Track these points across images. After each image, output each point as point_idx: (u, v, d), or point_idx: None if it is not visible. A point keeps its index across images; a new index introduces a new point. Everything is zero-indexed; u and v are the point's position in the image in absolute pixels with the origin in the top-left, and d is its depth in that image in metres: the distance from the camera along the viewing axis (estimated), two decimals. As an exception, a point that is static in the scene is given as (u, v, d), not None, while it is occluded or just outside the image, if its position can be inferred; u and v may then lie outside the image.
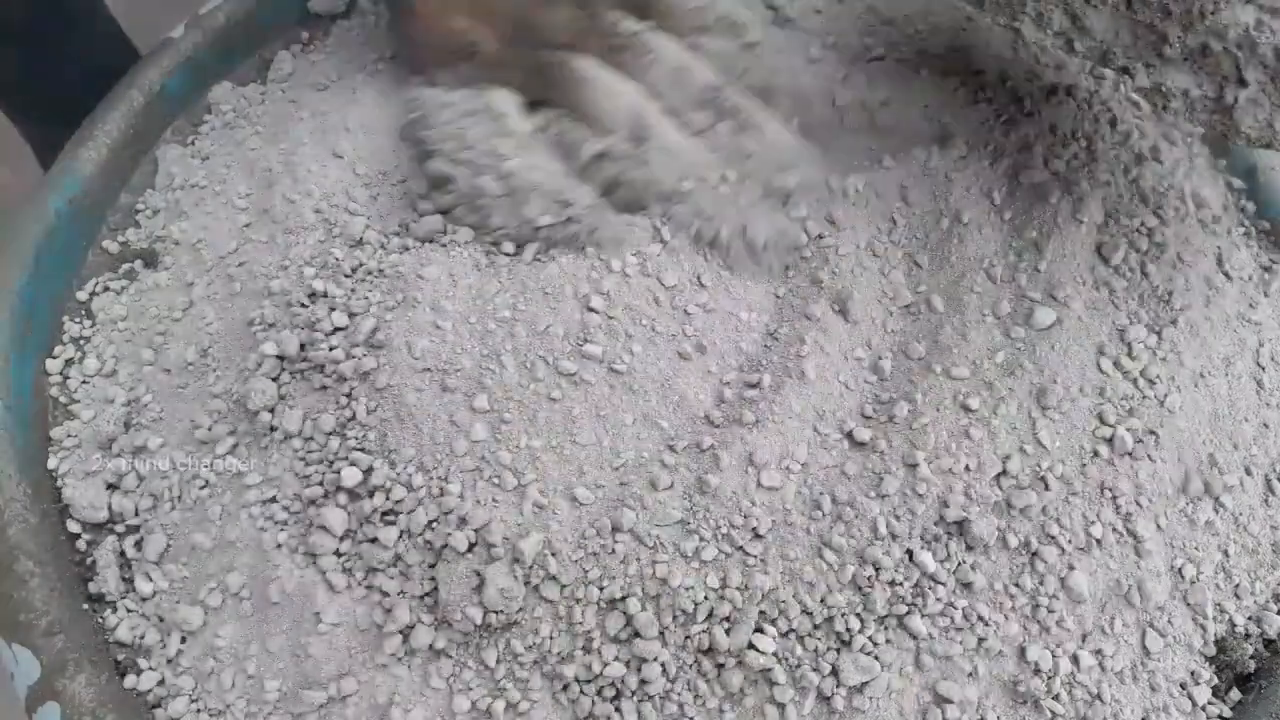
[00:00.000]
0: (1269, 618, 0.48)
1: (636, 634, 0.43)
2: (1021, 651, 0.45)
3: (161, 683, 0.44)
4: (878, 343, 0.51)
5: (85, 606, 0.45)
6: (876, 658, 0.43)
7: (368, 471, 0.45)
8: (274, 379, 0.48)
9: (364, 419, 0.46)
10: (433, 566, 0.44)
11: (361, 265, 0.51)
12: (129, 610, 0.46)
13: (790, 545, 0.45)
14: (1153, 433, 0.48)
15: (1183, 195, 0.57)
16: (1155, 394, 0.49)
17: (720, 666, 0.43)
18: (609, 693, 0.43)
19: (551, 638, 0.43)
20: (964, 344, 0.50)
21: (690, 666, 0.43)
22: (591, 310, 0.49)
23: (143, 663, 0.45)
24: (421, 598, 0.44)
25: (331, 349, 0.48)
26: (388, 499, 0.45)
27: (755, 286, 0.52)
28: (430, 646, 0.44)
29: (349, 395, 0.47)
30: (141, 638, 0.45)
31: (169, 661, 0.44)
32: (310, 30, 0.65)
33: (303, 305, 0.50)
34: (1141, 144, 0.57)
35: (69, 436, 0.50)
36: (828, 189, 0.54)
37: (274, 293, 0.51)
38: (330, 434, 0.47)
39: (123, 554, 0.47)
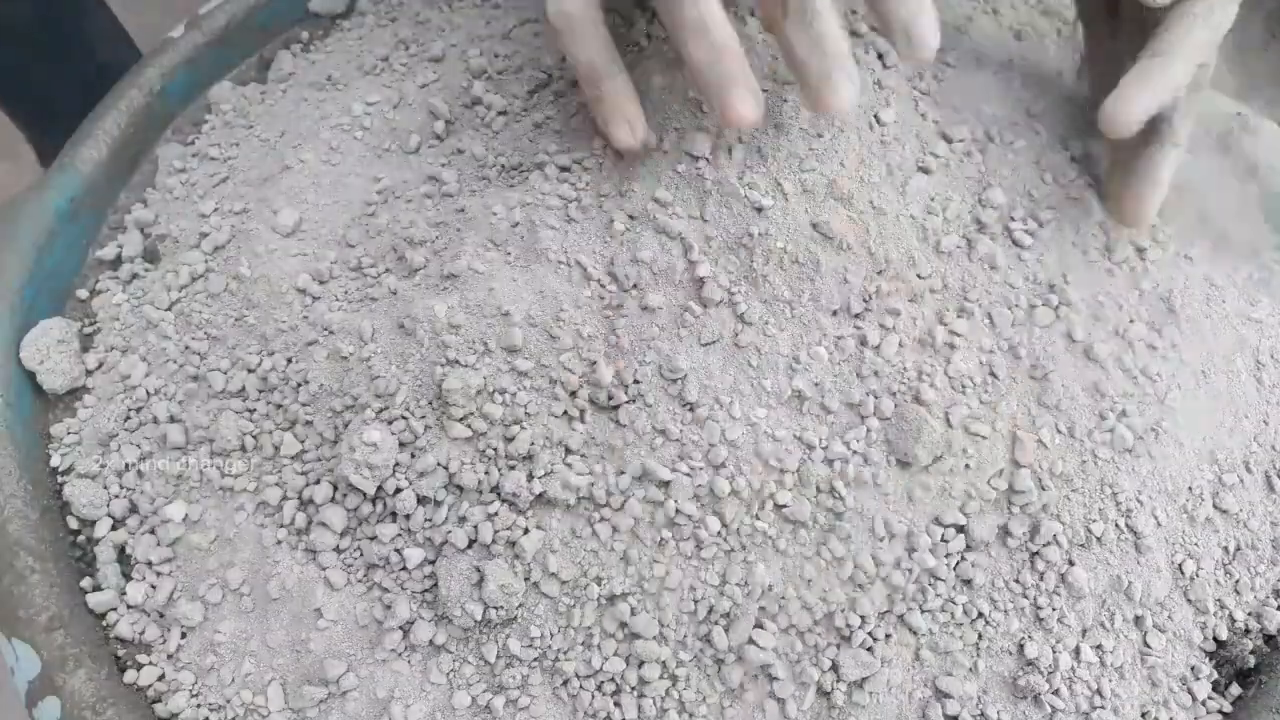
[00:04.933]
0: (1269, 613, 0.48)
1: (636, 631, 0.43)
2: (1021, 647, 0.45)
3: (162, 678, 0.44)
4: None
5: (85, 602, 0.45)
6: (876, 653, 0.43)
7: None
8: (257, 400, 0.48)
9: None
10: (432, 563, 0.44)
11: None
12: (129, 606, 0.46)
13: (790, 542, 0.45)
14: (1153, 429, 0.48)
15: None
16: (1156, 391, 0.49)
17: (720, 662, 0.43)
18: (609, 688, 0.43)
19: (551, 634, 0.43)
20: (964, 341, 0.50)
21: (690, 662, 0.43)
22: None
23: (143, 658, 0.45)
24: (421, 594, 0.44)
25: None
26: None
27: None
28: (430, 642, 0.44)
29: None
30: (141, 633, 0.45)
31: (169, 657, 0.44)
32: (310, 30, 0.65)
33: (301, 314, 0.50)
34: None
35: (69, 434, 0.50)
36: None
37: (273, 293, 0.51)
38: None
39: (123, 550, 0.47)
